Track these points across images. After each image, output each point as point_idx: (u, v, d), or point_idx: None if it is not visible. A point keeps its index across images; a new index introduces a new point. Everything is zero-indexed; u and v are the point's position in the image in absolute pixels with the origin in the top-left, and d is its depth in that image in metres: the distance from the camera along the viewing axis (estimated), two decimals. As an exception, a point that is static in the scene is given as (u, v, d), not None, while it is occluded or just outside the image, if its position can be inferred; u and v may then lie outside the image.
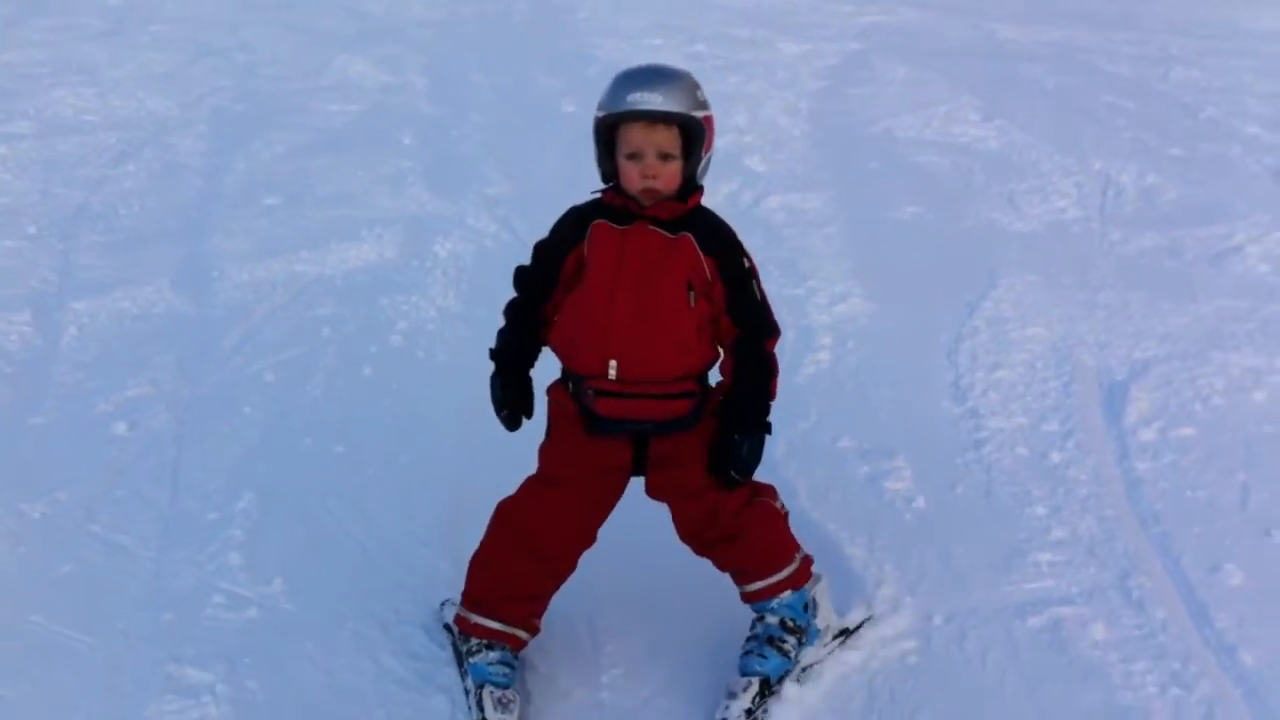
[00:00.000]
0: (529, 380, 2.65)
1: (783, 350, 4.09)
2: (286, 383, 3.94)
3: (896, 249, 5.14)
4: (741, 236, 2.51)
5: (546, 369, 2.64)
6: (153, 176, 6.15)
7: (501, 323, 2.65)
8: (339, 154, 6.49)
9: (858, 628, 2.75)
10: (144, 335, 4.32)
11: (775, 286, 4.55)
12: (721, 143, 6.23)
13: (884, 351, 4.13)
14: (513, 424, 2.64)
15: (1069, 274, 4.77)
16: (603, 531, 2.59)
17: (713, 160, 2.48)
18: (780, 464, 3.36)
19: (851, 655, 2.67)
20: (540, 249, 2.60)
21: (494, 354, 2.64)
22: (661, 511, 2.60)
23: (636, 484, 2.60)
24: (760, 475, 2.56)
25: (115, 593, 2.88)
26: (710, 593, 2.70)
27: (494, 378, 2.64)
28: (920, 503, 3.19)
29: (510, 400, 2.62)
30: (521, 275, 2.63)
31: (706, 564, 2.63)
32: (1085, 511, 3.14)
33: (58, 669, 2.63)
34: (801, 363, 4.05)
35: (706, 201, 2.51)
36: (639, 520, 2.66)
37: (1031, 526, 3.09)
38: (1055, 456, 3.41)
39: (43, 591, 2.87)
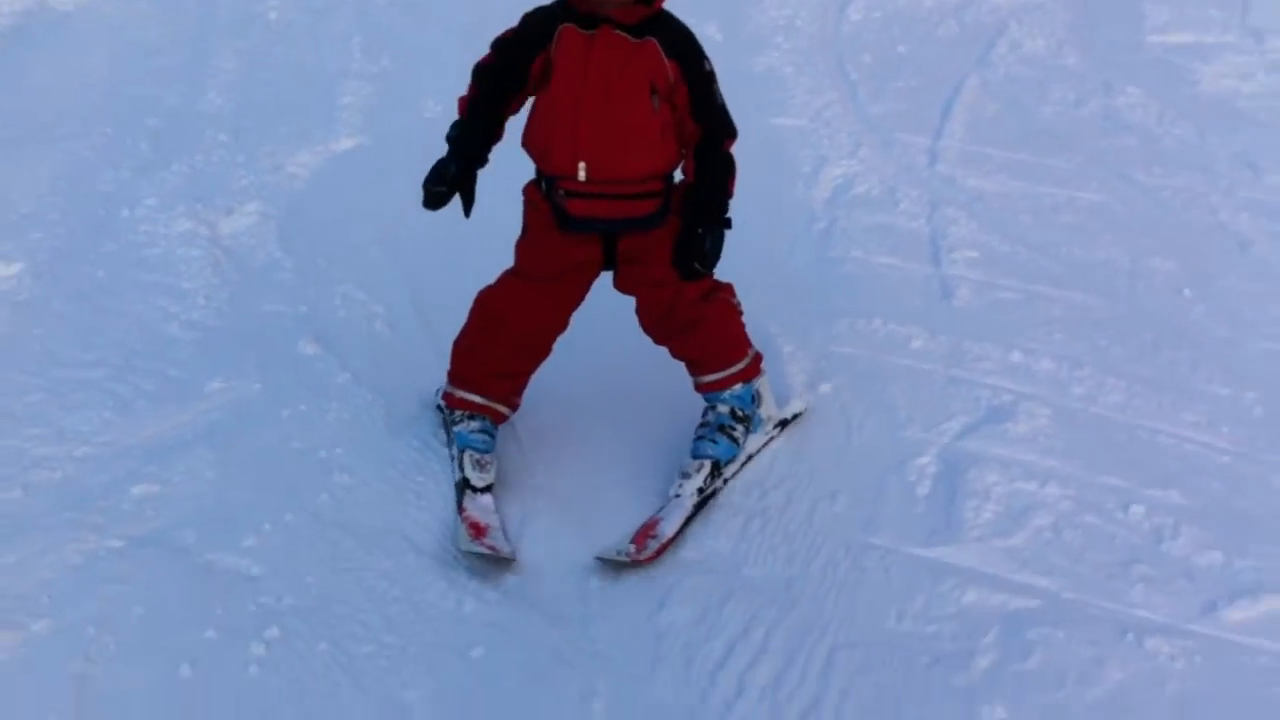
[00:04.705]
0: (475, 176, 2.59)
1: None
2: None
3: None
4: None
5: (522, 170, 2.75)
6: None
7: (456, 115, 2.61)
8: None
9: (794, 418, 3.02)
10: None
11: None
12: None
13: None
14: (440, 202, 2.54)
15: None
16: (572, 333, 2.85)
17: None
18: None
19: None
20: (505, 48, 2.58)
21: (450, 140, 2.57)
22: (629, 315, 2.86)
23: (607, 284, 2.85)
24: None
25: (372, 117, 5.10)
26: (667, 397, 3.03)
27: (445, 159, 2.54)
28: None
29: (456, 182, 2.53)
30: (484, 72, 2.58)
31: (664, 371, 2.91)
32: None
33: (344, 169, 4.70)
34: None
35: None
36: (606, 325, 2.97)
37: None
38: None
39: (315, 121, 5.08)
